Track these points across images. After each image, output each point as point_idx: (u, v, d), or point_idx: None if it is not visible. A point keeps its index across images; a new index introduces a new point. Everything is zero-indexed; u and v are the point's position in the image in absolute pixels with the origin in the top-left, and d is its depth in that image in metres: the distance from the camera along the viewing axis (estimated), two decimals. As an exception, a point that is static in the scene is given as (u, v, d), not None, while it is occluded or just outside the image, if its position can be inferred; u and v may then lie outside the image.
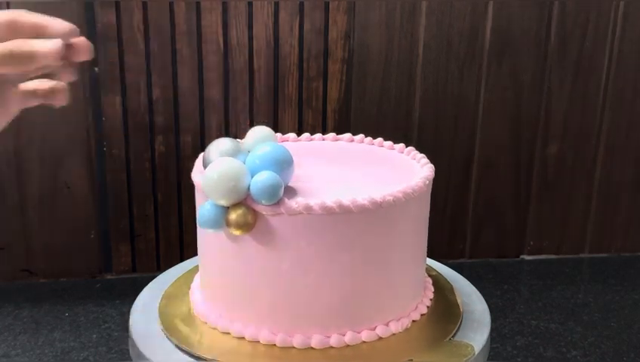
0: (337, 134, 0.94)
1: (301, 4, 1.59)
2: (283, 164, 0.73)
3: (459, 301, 0.85)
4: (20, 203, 1.60)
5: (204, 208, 0.71)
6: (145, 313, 0.82)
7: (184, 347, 0.74)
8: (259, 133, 0.81)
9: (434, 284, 0.88)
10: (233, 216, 0.70)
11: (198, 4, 1.56)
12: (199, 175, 0.75)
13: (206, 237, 0.77)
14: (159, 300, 0.84)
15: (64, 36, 0.60)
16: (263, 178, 0.69)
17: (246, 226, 0.70)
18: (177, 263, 0.95)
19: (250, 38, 1.59)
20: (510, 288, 1.69)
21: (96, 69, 1.56)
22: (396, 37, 1.64)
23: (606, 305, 1.61)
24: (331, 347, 0.74)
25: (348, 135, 0.93)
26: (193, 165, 0.79)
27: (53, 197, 1.61)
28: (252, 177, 0.70)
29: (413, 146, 0.89)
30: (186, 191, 1.60)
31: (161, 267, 1.67)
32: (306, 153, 0.87)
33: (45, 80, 0.64)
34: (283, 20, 1.59)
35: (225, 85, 1.61)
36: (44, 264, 1.65)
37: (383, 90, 1.67)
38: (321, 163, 0.86)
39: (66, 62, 0.61)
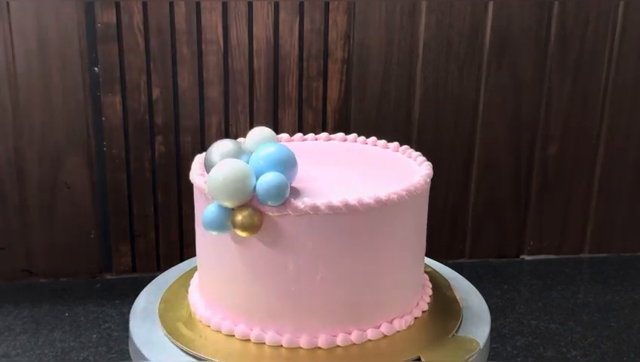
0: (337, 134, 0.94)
1: (301, 4, 1.59)
2: (287, 164, 0.73)
3: (457, 296, 0.86)
4: (20, 203, 1.60)
5: (208, 210, 0.71)
6: (144, 317, 0.82)
7: (190, 351, 0.74)
8: (259, 134, 0.81)
9: (430, 281, 0.88)
10: (239, 217, 0.69)
11: (198, 4, 1.55)
12: (201, 177, 0.74)
13: (209, 239, 0.77)
14: (158, 304, 0.84)
15: None
16: (270, 179, 0.69)
17: (252, 228, 0.70)
18: (177, 263, 0.95)
19: (250, 38, 1.59)
20: (510, 288, 1.69)
21: (96, 68, 1.56)
22: (396, 37, 1.64)
23: (606, 305, 1.61)
24: (338, 346, 0.74)
25: (341, 134, 0.94)
26: (192, 165, 0.79)
27: (53, 197, 1.61)
28: (257, 178, 0.70)
29: (414, 146, 0.89)
30: (186, 191, 1.59)
31: (161, 267, 1.67)
32: (302, 153, 0.87)
33: None
34: (283, 20, 1.59)
35: (225, 85, 1.61)
36: (44, 264, 1.65)
37: (383, 90, 1.67)
38: (318, 163, 0.86)
39: None
